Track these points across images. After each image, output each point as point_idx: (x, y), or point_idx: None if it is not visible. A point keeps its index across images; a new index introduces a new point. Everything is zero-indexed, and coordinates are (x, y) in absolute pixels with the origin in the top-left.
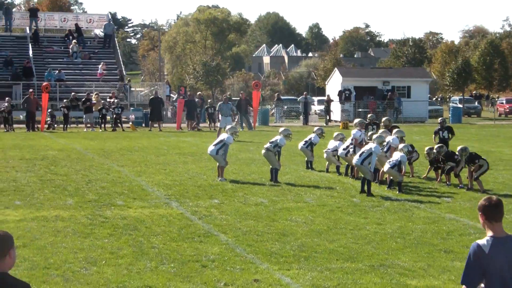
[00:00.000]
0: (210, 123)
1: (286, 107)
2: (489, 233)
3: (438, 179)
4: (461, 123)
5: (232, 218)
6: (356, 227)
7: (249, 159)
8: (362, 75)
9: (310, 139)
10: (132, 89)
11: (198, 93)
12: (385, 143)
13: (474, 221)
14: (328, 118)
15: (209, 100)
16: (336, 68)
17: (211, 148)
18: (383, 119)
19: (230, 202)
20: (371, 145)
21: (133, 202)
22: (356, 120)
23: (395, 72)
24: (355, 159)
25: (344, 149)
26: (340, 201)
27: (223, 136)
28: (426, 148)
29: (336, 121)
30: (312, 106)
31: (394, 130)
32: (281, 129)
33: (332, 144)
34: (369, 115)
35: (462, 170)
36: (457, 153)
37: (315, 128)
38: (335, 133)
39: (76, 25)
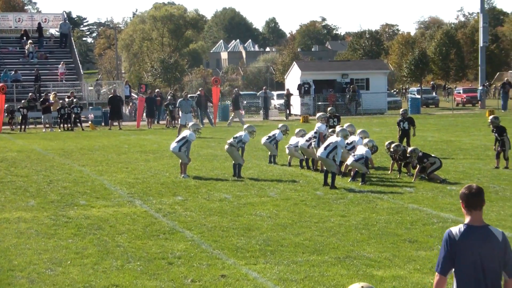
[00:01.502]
0: (170, 120)
1: (245, 102)
2: (466, 221)
3: (399, 170)
4: (420, 114)
5: (196, 214)
6: (320, 220)
7: (211, 155)
8: (320, 68)
9: (274, 135)
10: (90, 87)
11: (156, 90)
12: (349, 141)
13: (437, 210)
14: (288, 112)
15: (169, 97)
16: (294, 62)
17: (173, 145)
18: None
19: (194, 199)
20: (336, 138)
21: (96, 202)
22: (319, 114)
23: (353, 64)
24: (320, 152)
25: (306, 141)
26: (303, 195)
27: (186, 133)
28: (386, 143)
29: (296, 115)
30: (271, 101)
31: (359, 131)
32: (245, 126)
33: (294, 140)
34: (329, 109)
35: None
36: (407, 154)
37: (280, 125)
38: (297, 130)
39: (39, 24)
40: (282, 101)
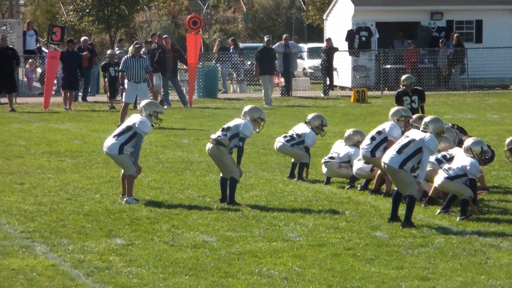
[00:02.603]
0: (109, 95)
1: (249, 63)
2: None
3: None
4: None
5: (149, 273)
6: (383, 286)
7: (181, 162)
8: (390, 1)
9: (300, 135)
10: None
11: (83, 39)
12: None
13: None
14: (328, 83)
15: (108, 52)
16: None
17: (110, 141)
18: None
19: (146, 243)
20: (419, 134)
21: None
22: (395, 110)
23: None
24: (388, 159)
25: (363, 148)
26: (351, 237)
27: (133, 119)
28: (508, 140)
29: (343, 89)
30: (299, 61)
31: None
32: (246, 108)
33: (338, 147)
34: (404, 77)
35: None
36: None
37: (310, 116)
38: (348, 132)
39: None
40: (317, 63)
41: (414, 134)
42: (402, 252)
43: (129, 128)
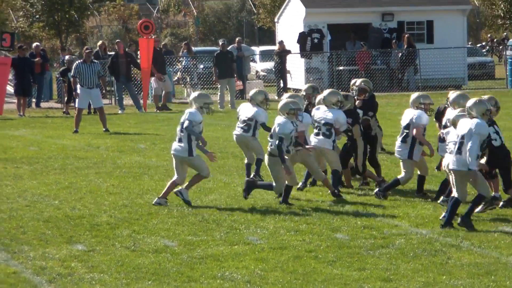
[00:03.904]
0: (66, 100)
1: (202, 66)
2: None
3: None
4: None
5: (111, 278)
6: None
7: (139, 166)
8: (342, 3)
9: (253, 118)
10: None
11: (34, 45)
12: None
13: None
14: (282, 86)
15: (66, 57)
16: None
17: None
18: (357, 81)
19: (107, 249)
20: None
21: None
22: (415, 96)
23: None
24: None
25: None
26: (313, 240)
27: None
28: None
29: (297, 91)
30: (251, 64)
31: (454, 94)
32: (251, 92)
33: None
34: (352, 82)
35: None
36: None
37: (252, 92)
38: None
39: None
40: (270, 65)
41: (462, 127)
42: (363, 254)
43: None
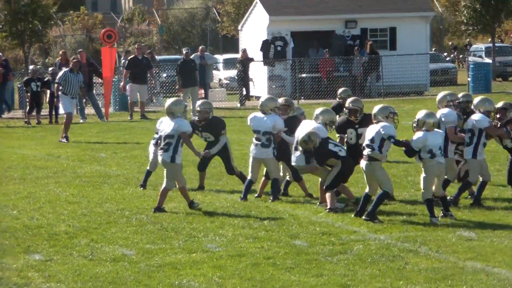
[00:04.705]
0: (28, 110)
1: (165, 75)
2: None
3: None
4: (491, 93)
5: None
6: None
7: (99, 175)
8: (305, 10)
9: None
10: None
11: None
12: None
13: None
14: (245, 93)
15: (30, 67)
16: (257, 0)
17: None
18: (340, 90)
19: (65, 258)
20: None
21: None
22: (442, 95)
23: (368, 2)
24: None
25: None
26: (271, 247)
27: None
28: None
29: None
30: (214, 72)
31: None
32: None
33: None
34: (340, 90)
35: None
36: None
37: (199, 103)
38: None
39: None
40: (233, 73)
41: (470, 120)
42: (321, 260)
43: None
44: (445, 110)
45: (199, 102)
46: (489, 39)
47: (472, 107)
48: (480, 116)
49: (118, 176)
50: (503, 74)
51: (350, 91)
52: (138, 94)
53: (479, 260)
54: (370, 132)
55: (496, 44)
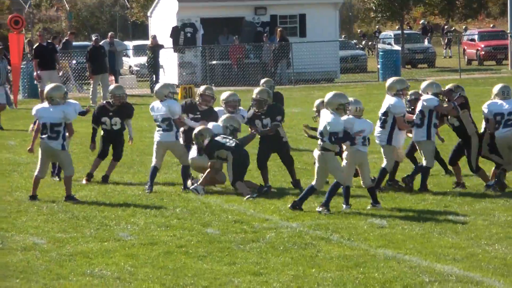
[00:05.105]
0: None
1: (75, 62)
2: None
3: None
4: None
5: None
6: (214, 283)
7: (8, 163)
8: None
9: None
10: None
11: None
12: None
13: (431, 259)
14: (155, 81)
15: None
16: None
17: None
18: (262, 81)
19: None
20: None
21: None
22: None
23: None
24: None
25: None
26: (183, 235)
27: None
28: None
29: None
30: (124, 59)
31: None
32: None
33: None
34: (262, 81)
35: None
36: None
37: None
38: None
39: None
40: (143, 60)
41: (420, 102)
42: (233, 248)
43: None
44: (393, 100)
45: (113, 87)
46: (398, 26)
47: (420, 91)
48: (429, 96)
49: (28, 164)
50: (412, 61)
51: (272, 81)
52: (49, 80)
53: (391, 248)
54: (323, 122)
55: (405, 31)
